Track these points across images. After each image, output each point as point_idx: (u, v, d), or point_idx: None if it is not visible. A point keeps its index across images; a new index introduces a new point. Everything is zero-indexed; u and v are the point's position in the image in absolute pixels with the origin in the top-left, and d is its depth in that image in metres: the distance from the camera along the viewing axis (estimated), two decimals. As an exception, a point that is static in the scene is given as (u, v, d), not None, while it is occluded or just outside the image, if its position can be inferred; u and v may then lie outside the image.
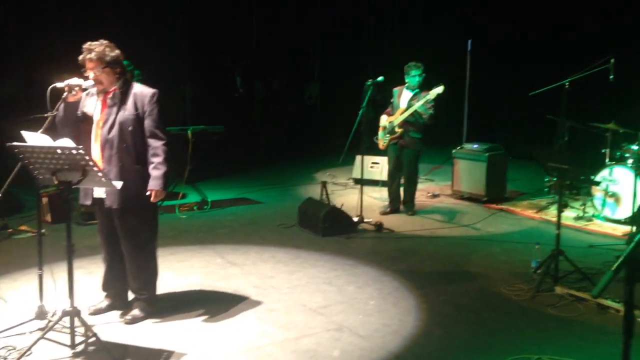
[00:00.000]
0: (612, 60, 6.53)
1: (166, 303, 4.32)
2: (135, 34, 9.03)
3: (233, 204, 7.62)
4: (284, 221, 6.68)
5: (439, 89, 6.56)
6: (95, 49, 3.77)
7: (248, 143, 11.08)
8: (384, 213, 6.97)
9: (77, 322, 3.58)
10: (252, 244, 5.92)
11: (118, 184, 3.58)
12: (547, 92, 7.46)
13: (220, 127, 7.64)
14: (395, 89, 7.02)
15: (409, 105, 6.73)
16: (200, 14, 10.71)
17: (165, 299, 4.38)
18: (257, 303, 4.43)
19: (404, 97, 6.89)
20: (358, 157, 8.40)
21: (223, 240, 6.02)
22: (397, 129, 6.81)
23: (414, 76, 6.77)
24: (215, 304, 4.39)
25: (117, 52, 3.85)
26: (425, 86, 6.76)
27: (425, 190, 8.31)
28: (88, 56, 3.77)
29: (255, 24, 11.70)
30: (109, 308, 4.18)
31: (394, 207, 7.06)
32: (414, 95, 6.77)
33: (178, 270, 5.11)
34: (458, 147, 8.00)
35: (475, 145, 7.83)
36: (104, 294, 4.22)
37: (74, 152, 3.25)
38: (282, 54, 12.32)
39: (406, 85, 6.88)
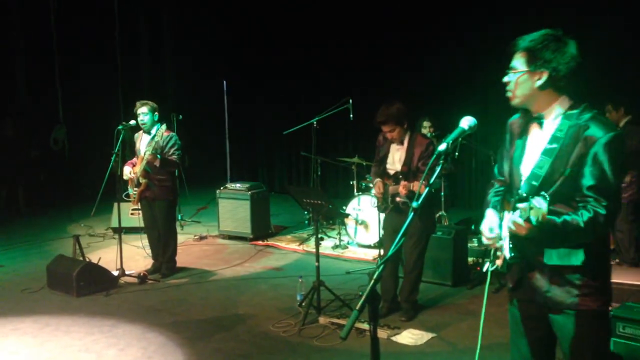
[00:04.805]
0: (350, 101, 7.23)
1: None
2: None
3: (-38, 272, 6.47)
4: (29, 285, 5.87)
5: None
6: None
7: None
8: (150, 272, 6.20)
9: None
10: (-12, 317, 5.05)
11: None
12: (300, 130, 7.95)
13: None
14: (137, 134, 6.28)
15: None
16: None
17: None
18: (-7, 390, 3.74)
19: (143, 142, 6.09)
20: (116, 205, 7.86)
21: (-52, 318, 5.03)
22: (141, 180, 5.96)
23: (138, 114, 5.96)
24: None
25: None
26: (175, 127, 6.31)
27: (191, 233, 8.13)
28: None
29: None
30: None
31: (158, 263, 6.34)
32: (152, 138, 5.96)
33: None
34: (221, 187, 8.01)
35: (238, 185, 7.94)
36: None
37: None
38: (19, 95, 11.05)
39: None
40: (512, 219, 2.18)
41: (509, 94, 2.40)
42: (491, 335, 4.23)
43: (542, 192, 2.08)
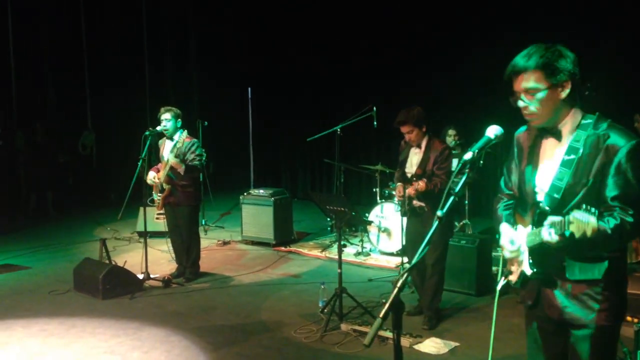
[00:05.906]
0: (374, 109, 7.23)
1: None
2: None
3: (-8, 273, 6.62)
4: (56, 287, 5.98)
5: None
6: None
7: (11, 200, 9.84)
8: (174, 276, 6.27)
9: None
10: (16, 317, 5.16)
11: None
12: (324, 138, 7.97)
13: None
14: (161, 140, 6.36)
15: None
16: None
17: None
18: (21, 389, 3.82)
19: (166, 148, 6.14)
20: (141, 209, 7.97)
21: (-21, 318, 5.15)
22: (164, 186, 6.04)
23: (161, 120, 6.06)
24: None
25: None
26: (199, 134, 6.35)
27: (215, 238, 8.21)
28: None
29: (15, 67, 10.56)
30: None
31: (182, 267, 6.40)
32: (174, 144, 6.00)
33: None
34: (245, 193, 8.07)
35: (261, 191, 7.99)
36: None
37: None
38: (49, 100, 11.29)
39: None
40: (543, 233, 2.14)
41: (533, 117, 2.32)
42: (517, 345, 4.18)
43: (586, 205, 2.00)
